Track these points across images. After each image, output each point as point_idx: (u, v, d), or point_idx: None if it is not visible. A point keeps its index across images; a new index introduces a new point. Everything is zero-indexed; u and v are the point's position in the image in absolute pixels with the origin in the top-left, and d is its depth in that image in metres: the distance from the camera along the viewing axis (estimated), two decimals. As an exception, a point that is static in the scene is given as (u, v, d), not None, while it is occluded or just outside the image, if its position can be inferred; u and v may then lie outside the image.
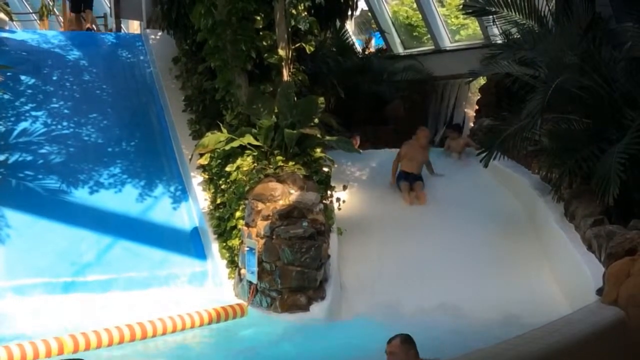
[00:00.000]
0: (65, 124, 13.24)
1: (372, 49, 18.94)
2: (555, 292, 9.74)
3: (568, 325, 6.94)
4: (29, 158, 12.45)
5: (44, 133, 12.98)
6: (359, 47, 18.58)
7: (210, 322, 9.47)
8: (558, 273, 9.99)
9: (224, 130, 11.57)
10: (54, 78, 14.29)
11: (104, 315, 9.44)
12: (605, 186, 8.96)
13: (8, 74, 13.34)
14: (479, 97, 15.38)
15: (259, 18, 11.88)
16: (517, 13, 11.14)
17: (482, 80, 15.03)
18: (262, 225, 10.11)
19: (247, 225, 10.47)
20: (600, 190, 9.11)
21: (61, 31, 18.26)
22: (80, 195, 11.98)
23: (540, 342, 6.22)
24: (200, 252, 11.48)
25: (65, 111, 13.51)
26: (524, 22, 11.19)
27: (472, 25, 16.99)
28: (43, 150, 12.65)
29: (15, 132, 12.85)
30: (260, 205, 10.31)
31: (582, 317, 7.36)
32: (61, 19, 19.56)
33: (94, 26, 18.42)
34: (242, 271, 10.37)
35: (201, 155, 11.84)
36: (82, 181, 12.20)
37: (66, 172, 12.29)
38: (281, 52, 11.79)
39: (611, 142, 9.46)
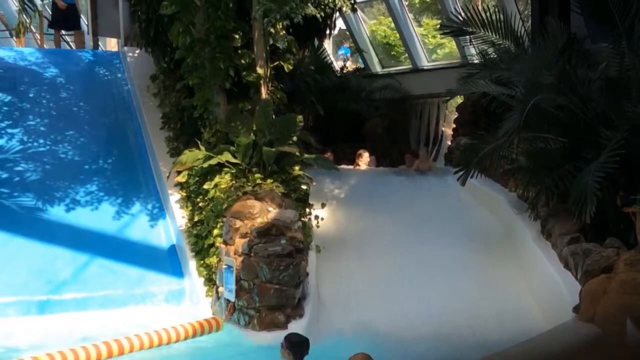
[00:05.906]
0: (41, 141, 13.17)
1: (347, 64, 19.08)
2: (532, 310, 9.76)
3: (545, 342, 6.97)
4: (5, 175, 12.35)
5: (20, 150, 12.90)
6: (337, 66, 18.68)
7: (186, 338, 9.39)
8: (535, 291, 10.02)
9: (202, 148, 11.54)
10: (31, 95, 14.20)
11: (79, 334, 9.34)
12: (581, 204, 9.02)
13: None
14: (456, 116, 15.48)
15: (237, 36, 11.92)
16: (493, 33, 11.23)
17: (459, 99, 15.12)
18: (240, 242, 10.07)
19: (225, 243, 10.43)
20: (576, 209, 9.16)
21: (38, 48, 18.16)
22: (57, 212, 11.89)
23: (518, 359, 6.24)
24: (177, 270, 11.39)
25: (42, 128, 13.44)
26: (501, 42, 11.29)
27: (449, 45, 17.14)
28: (19, 168, 12.56)
29: (-9, 150, 12.77)
30: (238, 223, 10.28)
31: (559, 334, 7.40)
32: (38, 36, 19.43)
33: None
34: (220, 289, 10.31)
35: (179, 172, 11.78)
36: (59, 199, 12.12)
37: (42, 189, 12.20)
38: (259, 70, 11.81)
39: (587, 161, 9.53)
